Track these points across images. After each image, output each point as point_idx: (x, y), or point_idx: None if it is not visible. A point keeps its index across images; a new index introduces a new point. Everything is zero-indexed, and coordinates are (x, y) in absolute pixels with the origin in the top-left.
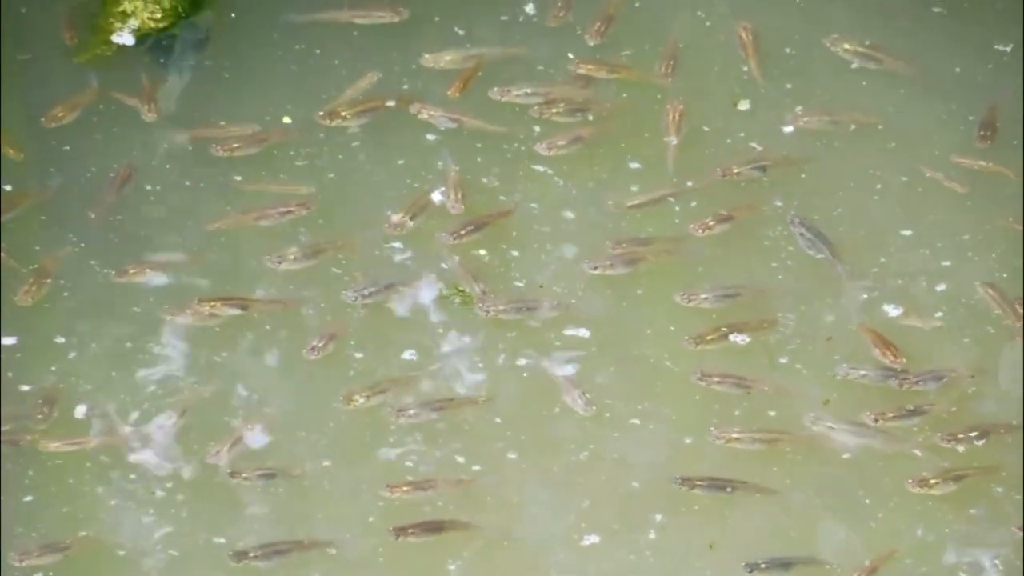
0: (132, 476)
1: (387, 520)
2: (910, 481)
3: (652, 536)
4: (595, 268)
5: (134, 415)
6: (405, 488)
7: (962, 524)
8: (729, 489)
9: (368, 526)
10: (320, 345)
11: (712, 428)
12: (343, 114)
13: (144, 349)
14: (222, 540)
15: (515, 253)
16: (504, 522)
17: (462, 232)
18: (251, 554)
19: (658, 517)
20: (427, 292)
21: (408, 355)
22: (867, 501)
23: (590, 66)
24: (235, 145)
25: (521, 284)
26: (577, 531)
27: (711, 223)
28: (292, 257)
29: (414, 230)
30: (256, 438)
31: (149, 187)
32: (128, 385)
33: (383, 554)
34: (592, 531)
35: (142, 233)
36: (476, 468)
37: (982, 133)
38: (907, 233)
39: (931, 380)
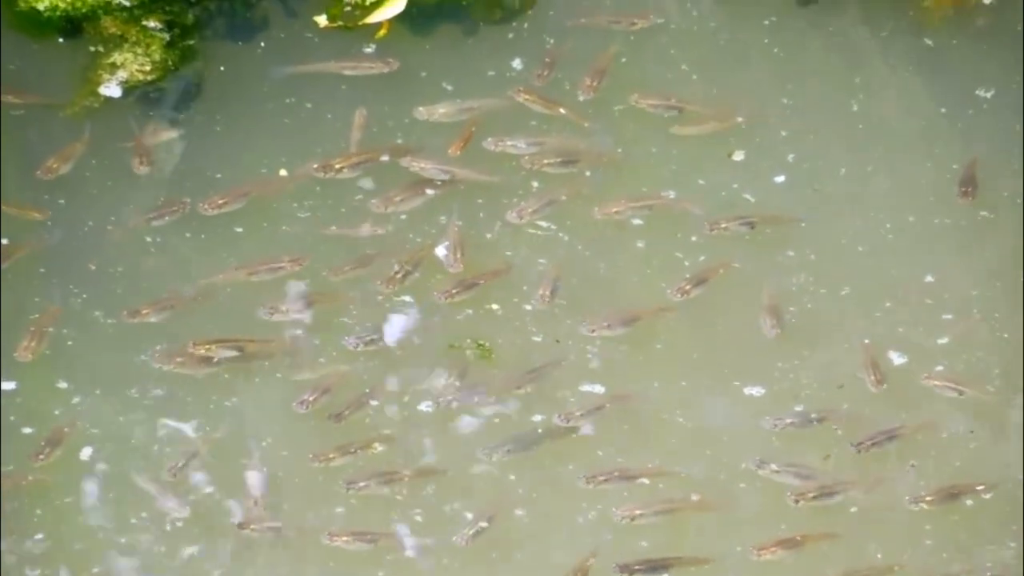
0: (144, 514)
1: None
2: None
3: None
4: (592, 331)
5: (145, 459)
6: (345, 538)
7: None
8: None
9: None
10: (311, 399)
11: (615, 508)
12: (337, 167)
13: (149, 395)
14: None
15: (527, 307)
16: None
17: (454, 291)
18: None
19: None
20: (441, 345)
21: (424, 407)
22: (879, 555)
23: (527, 96)
24: (221, 201)
25: (539, 339)
26: None
27: (687, 287)
28: (285, 309)
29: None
30: (266, 484)
31: (149, 239)
32: (135, 430)
33: None
34: None
35: (144, 285)
36: (483, 524)
37: (963, 189)
38: (914, 283)
39: (885, 441)
